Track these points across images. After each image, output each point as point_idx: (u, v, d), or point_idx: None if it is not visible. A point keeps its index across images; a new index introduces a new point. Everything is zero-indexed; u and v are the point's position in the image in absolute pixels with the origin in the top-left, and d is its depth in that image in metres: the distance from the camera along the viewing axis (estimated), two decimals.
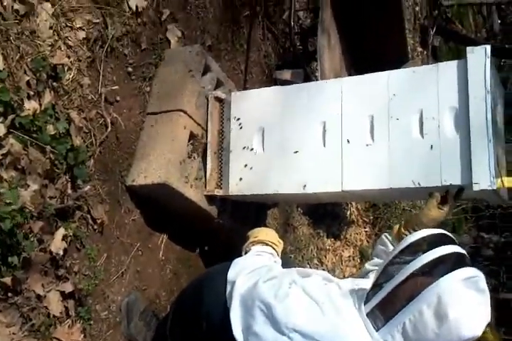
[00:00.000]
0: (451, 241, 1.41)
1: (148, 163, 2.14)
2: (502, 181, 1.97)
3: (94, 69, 2.05)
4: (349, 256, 4.10)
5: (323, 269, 3.58)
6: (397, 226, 1.97)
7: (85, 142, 1.94)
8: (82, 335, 1.80)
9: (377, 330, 1.36)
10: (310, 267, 3.49)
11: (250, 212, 2.64)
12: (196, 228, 2.42)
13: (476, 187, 1.87)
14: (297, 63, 3.40)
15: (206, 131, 2.37)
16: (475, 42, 5.05)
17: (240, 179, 2.28)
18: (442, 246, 1.36)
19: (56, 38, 1.88)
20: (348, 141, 2.13)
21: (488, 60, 1.92)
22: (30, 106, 1.71)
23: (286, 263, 1.82)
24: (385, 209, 4.56)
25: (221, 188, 2.31)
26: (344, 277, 3.62)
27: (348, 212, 4.21)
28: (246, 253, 1.81)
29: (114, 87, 2.11)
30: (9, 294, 1.58)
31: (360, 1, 3.31)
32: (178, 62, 2.36)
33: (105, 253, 2.00)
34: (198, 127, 2.33)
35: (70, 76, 1.92)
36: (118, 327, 2.03)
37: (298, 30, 3.67)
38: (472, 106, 1.91)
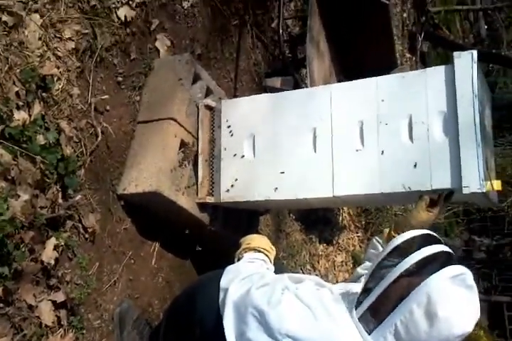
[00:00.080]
0: (437, 241, 1.42)
1: (140, 172, 2.15)
2: (491, 184, 1.98)
3: (83, 80, 2.06)
4: (342, 261, 4.10)
5: (316, 275, 3.58)
6: (387, 229, 1.98)
7: (76, 151, 1.95)
8: None
9: (369, 334, 1.37)
10: (303, 273, 3.50)
11: (242, 219, 2.64)
12: (188, 236, 2.42)
13: (465, 191, 1.88)
14: (287, 70, 3.42)
15: (197, 138, 2.38)
16: (462, 48, 5.10)
17: (232, 186, 2.28)
18: (428, 246, 1.37)
19: (45, 48, 1.89)
20: (338, 147, 2.14)
21: (475, 65, 1.94)
22: (20, 116, 1.71)
23: (279, 270, 1.82)
24: (377, 213, 4.58)
25: (213, 195, 2.32)
26: (337, 282, 3.62)
27: (340, 218, 4.23)
28: (239, 260, 1.81)
29: (104, 97, 2.12)
30: (0, 304, 1.57)
31: (348, 8, 3.33)
32: (167, 71, 2.38)
33: (97, 262, 2.00)
34: (188, 135, 2.33)
35: (60, 86, 1.93)
36: (111, 336, 2.02)
37: (287, 38, 3.70)
38: (460, 111, 1.93)
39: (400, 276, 1.35)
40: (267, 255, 1.84)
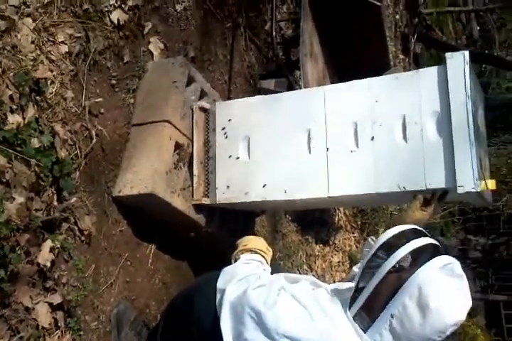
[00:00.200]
0: (423, 234, 1.44)
1: (135, 174, 2.15)
2: (486, 183, 1.99)
3: (77, 83, 2.06)
4: (338, 262, 4.11)
5: (313, 275, 3.59)
6: (382, 229, 2.00)
7: (70, 154, 1.95)
8: None
9: (365, 332, 1.38)
10: (300, 273, 3.50)
11: (238, 220, 2.64)
12: (184, 237, 2.42)
13: (460, 190, 1.89)
14: (280, 72, 3.43)
15: (192, 140, 2.38)
16: (455, 49, 5.14)
17: (227, 187, 2.29)
18: (414, 240, 1.39)
19: (38, 52, 1.89)
20: (333, 148, 2.15)
21: (467, 65, 1.95)
22: (14, 119, 1.72)
23: (275, 271, 1.83)
24: (373, 214, 4.60)
25: (208, 197, 2.32)
26: (334, 282, 3.64)
27: (336, 218, 4.24)
28: (235, 261, 1.82)
29: (98, 100, 2.12)
30: None
31: (340, 10, 3.35)
32: (161, 73, 2.38)
33: (93, 264, 2.00)
34: (183, 137, 2.34)
35: (53, 89, 1.93)
36: (108, 338, 2.02)
37: (280, 41, 3.72)
38: (454, 111, 1.94)
39: (389, 272, 1.36)
40: (263, 256, 1.85)
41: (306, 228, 3.80)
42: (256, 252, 1.84)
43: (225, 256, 1.90)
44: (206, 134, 2.40)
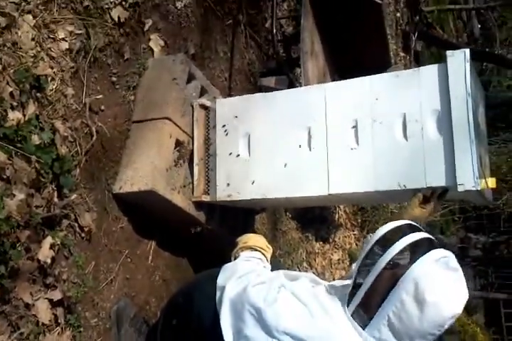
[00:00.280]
0: (417, 229, 1.44)
1: (135, 171, 2.15)
2: (486, 182, 2.00)
3: (77, 80, 2.06)
4: (338, 259, 4.12)
5: (313, 272, 3.59)
6: None
7: (71, 151, 1.95)
8: None
9: (363, 328, 1.38)
10: (300, 270, 3.51)
11: (238, 218, 2.65)
12: (186, 233, 2.42)
13: (460, 188, 1.89)
14: (281, 70, 3.43)
15: (192, 138, 2.38)
16: (456, 47, 5.12)
17: (227, 185, 2.29)
18: (409, 235, 1.39)
19: (39, 49, 1.89)
20: (333, 146, 2.15)
21: (468, 64, 1.95)
22: (14, 116, 1.72)
23: (275, 268, 1.83)
24: (373, 212, 4.61)
25: (208, 194, 2.33)
26: (334, 280, 3.65)
27: (337, 216, 4.25)
28: (235, 258, 1.83)
29: (98, 97, 2.12)
30: None
31: (341, 8, 3.35)
32: (162, 70, 2.38)
33: (93, 260, 2.00)
34: (183, 134, 2.34)
35: (54, 86, 1.93)
36: (108, 334, 2.02)
37: (281, 38, 3.71)
38: (454, 109, 1.94)
39: (385, 268, 1.37)
40: (263, 254, 1.85)
41: (306, 225, 3.81)
42: (256, 250, 1.85)
43: (224, 254, 1.91)
44: (206, 131, 2.40)
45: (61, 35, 1.99)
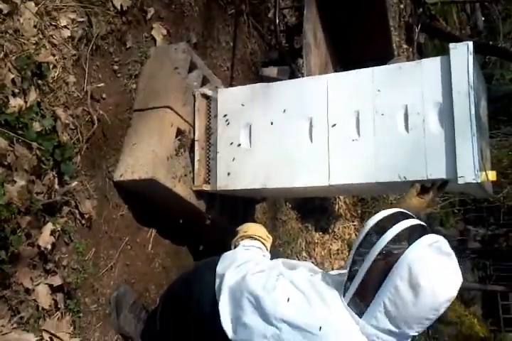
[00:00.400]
0: (409, 217, 1.45)
1: (136, 159, 2.15)
2: (486, 175, 2.00)
3: (79, 67, 2.06)
4: (337, 250, 4.14)
5: (312, 262, 3.61)
6: None
7: (72, 139, 1.95)
8: (72, 327, 1.81)
9: (360, 317, 1.40)
10: (299, 260, 3.52)
11: (239, 207, 2.65)
12: (184, 223, 2.43)
13: (460, 181, 1.89)
14: (283, 60, 3.42)
15: (193, 127, 2.38)
16: (459, 39, 5.10)
17: (228, 174, 2.29)
18: (400, 222, 1.40)
19: (40, 36, 1.89)
20: (334, 137, 2.15)
21: (471, 56, 1.95)
22: (16, 103, 1.72)
23: (275, 257, 1.85)
24: (373, 203, 4.62)
25: (209, 183, 2.33)
26: (333, 270, 3.67)
27: (337, 206, 4.26)
28: (235, 247, 1.84)
29: (100, 85, 2.12)
30: None
31: None
32: (164, 59, 2.38)
33: (94, 247, 2.02)
34: (185, 123, 2.34)
35: (55, 74, 1.93)
36: (108, 320, 2.04)
37: (283, 28, 3.70)
38: (456, 102, 1.94)
39: (379, 256, 1.38)
40: (263, 243, 1.86)
41: (306, 215, 3.82)
42: (256, 239, 1.86)
43: (224, 242, 1.92)
44: (208, 121, 2.40)
45: (63, 22, 1.99)
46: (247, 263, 1.65)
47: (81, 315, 1.89)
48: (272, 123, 2.27)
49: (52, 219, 1.78)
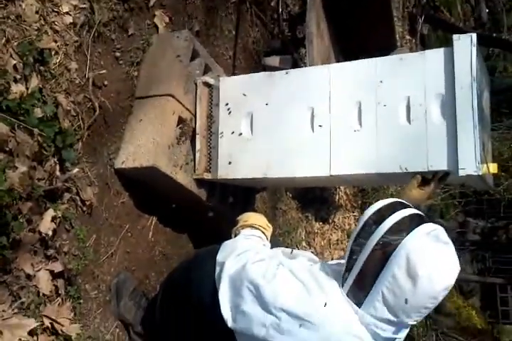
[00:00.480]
0: (406, 206, 1.45)
1: (137, 147, 2.15)
2: (487, 167, 2.00)
3: (81, 54, 2.05)
4: (337, 240, 4.15)
5: (312, 252, 3.63)
6: None
7: (73, 125, 1.95)
8: (72, 313, 1.82)
9: (359, 307, 1.41)
10: (298, 250, 3.54)
11: (239, 196, 2.66)
12: (185, 211, 2.44)
13: (461, 173, 1.89)
14: (286, 49, 3.41)
15: (195, 115, 2.38)
16: (462, 31, 5.08)
17: (229, 163, 2.29)
18: (397, 211, 1.41)
19: (43, 22, 1.88)
20: (336, 127, 2.15)
21: (474, 48, 1.93)
22: (17, 89, 1.72)
23: (275, 246, 1.86)
24: (374, 193, 4.62)
25: (210, 172, 2.33)
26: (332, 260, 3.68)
27: (337, 197, 4.26)
28: (235, 236, 1.84)
29: (101, 72, 2.12)
30: None
31: None
32: (166, 47, 2.37)
33: (94, 234, 2.02)
34: (186, 112, 2.34)
35: (57, 60, 1.92)
36: (108, 306, 2.05)
37: (286, 17, 3.68)
38: (458, 93, 1.93)
39: (377, 245, 1.38)
40: (263, 232, 1.87)
41: (307, 205, 3.83)
42: (256, 228, 1.86)
43: (224, 231, 1.93)
44: (209, 109, 2.40)
45: (65, 8, 1.97)
46: (247, 252, 1.65)
47: (81, 301, 1.90)
48: (273, 113, 2.27)
49: (54, 205, 1.78)
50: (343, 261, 1.57)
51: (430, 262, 1.34)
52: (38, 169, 1.72)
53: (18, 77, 1.74)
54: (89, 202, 1.95)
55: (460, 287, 7.75)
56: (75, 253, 1.90)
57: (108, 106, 2.14)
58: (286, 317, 1.44)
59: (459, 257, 1.42)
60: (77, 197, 1.92)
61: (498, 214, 7.97)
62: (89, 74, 2.05)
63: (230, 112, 2.35)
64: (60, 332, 1.74)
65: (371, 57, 2.17)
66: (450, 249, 1.39)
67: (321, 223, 4.01)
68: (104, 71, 2.12)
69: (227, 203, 2.52)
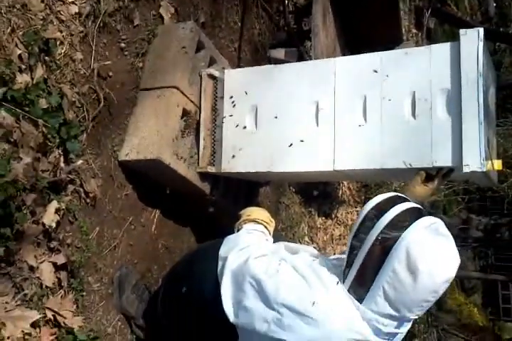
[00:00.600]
0: (405, 200, 1.45)
1: (141, 139, 2.15)
2: (492, 163, 1.99)
3: (86, 44, 2.04)
4: (340, 235, 4.15)
5: (314, 247, 3.63)
6: None
7: (78, 116, 1.94)
8: (75, 306, 1.82)
9: (361, 302, 1.40)
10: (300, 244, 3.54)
11: (242, 190, 2.65)
12: (188, 204, 2.44)
13: (466, 169, 1.88)
14: (291, 42, 3.39)
15: (199, 108, 2.37)
16: (469, 25, 5.04)
17: (233, 156, 2.29)
18: (397, 205, 1.40)
19: (48, 12, 1.86)
20: (341, 121, 2.14)
21: (481, 43, 1.91)
22: (22, 79, 1.70)
23: (277, 241, 1.85)
24: (377, 189, 4.61)
25: (214, 165, 2.32)
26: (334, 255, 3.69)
27: (340, 192, 4.25)
28: (238, 231, 1.84)
29: (106, 62, 2.10)
30: (2, 264, 1.60)
31: None
32: (171, 38, 2.35)
33: (98, 226, 2.02)
34: (191, 104, 2.32)
35: (63, 50, 1.91)
36: (110, 299, 2.05)
37: (292, 9, 3.65)
38: (464, 89, 1.91)
39: (377, 240, 1.38)
40: (266, 227, 1.86)
41: (310, 200, 3.82)
42: (259, 223, 1.86)
43: (227, 225, 1.93)
44: (214, 102, 2.38)
45: None
46: (249, 247, 1.65)
47: (84, 293, 1.90)
48: (278, 106, 2.25)
49: (57, 197, 1.77)
50: (343, 256, 1.58)
51: (430, 255, 1.33)
52: (42, 160, 1.72)
53: (23, 67, 1.72)
54: (92, 194, 1.94)
55: (462, 284, 7.76)
56: (78, 246, 1.89)
57: (113, 98, 2.13)
58: (288, 313, 1.44)
59: (461, 254, 1.42)
60: (81, 189, 1.92)
61: (501, 211, 7.95)
62: (94, 64, 2.04)
63: (234, 105, 2.33)
64: (62, 324, 1.74)
65: (377, 51, 2.15)
66: (450, 242, 1.39)
67: (323, 218, 4.01)
68: (109, 62, 2.11)
69: (230, 197, 2.52)
